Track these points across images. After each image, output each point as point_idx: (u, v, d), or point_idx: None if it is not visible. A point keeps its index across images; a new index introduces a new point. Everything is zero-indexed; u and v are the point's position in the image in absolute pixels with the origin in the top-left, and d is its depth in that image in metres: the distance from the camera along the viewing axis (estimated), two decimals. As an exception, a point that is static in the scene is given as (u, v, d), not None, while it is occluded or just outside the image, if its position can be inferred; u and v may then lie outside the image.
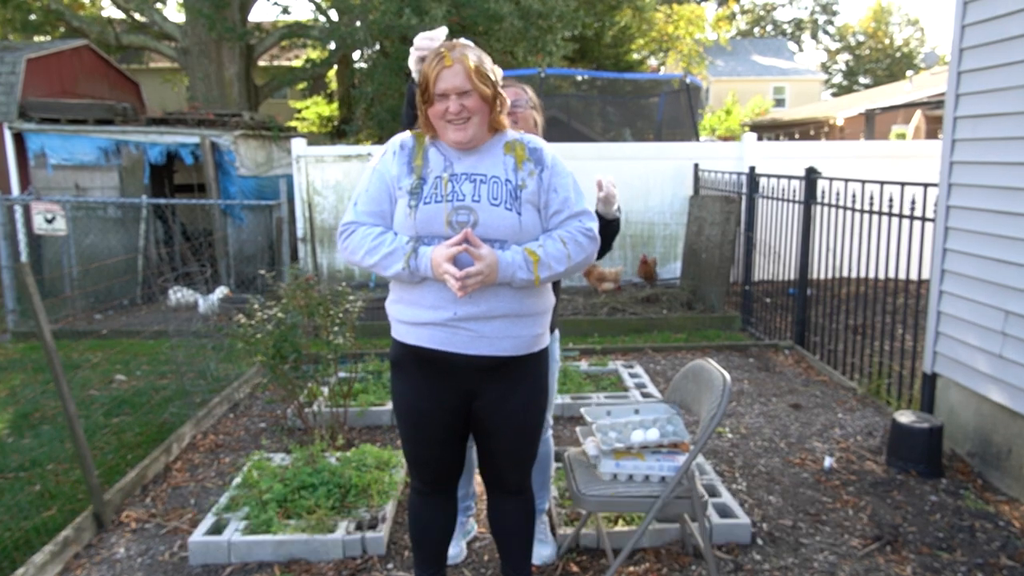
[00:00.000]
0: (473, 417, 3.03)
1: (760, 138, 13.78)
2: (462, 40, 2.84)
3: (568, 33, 17.11)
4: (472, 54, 2.78)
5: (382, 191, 2.88)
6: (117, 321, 10.02)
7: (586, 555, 3.99)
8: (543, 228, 2.88)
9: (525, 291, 2.85)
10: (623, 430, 3.56)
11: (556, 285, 3.54)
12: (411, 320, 2.89)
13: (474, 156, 2.85)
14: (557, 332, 3.81)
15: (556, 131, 13.12)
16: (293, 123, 23.44)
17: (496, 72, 2.86)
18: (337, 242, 2.95)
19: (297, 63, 21.40)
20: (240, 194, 11.71)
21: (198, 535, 4.06)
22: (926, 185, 5.67)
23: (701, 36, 27.61)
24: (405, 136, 2.96)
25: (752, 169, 9.02)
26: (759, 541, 4.15)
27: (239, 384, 6.78)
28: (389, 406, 6.00)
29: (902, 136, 22.66)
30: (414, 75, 2.99)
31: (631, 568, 3.88)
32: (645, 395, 6.31)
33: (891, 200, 6.13)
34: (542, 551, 3.90)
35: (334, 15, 17.09)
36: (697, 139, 14.16)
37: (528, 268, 2.78)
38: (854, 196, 6.58)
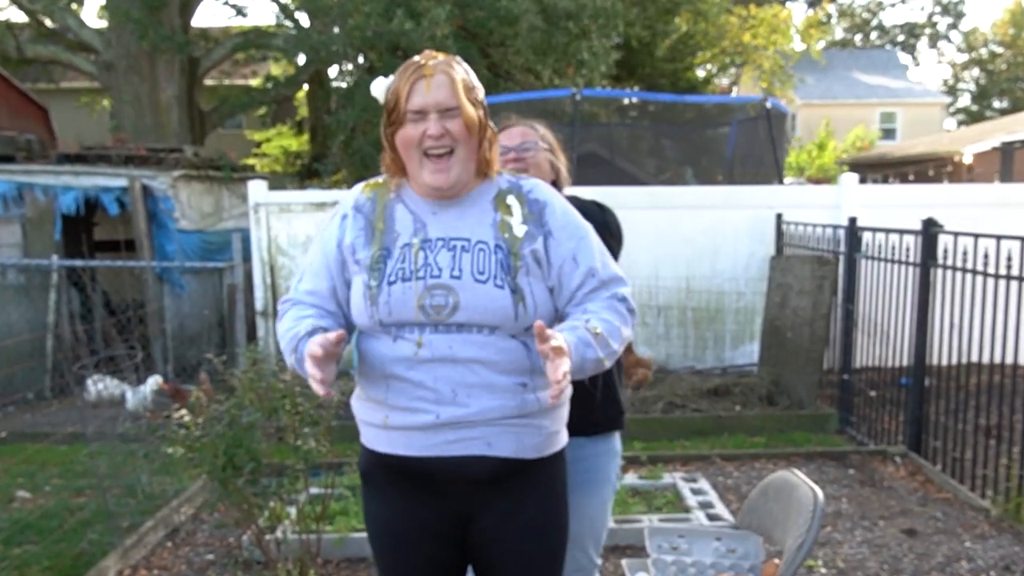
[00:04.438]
0: (469, 546, 2.97)
1: (863, 180, 13.89)
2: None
3: (608, 41, 17.34)
4: (459, 66, 2.81)
5: (323, 267, 2.90)
6: (19, 420, 10.12)
7: None
8: (555, 309, 2.87)
9: (529, 382, 2.80)
10: (683, 560, 3.61)
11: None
12: (381, 423, 2.86)
13: (453, 211, 2.83)
14: (617, 439, 3.72)
15: (596, 171, 13.24)
16: (250, 160, 23.72)
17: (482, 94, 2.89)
18: None
19: (256, 82, 21.69)
20: (181, 253, 11.78)
21: None
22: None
23: (786, 46, 27.84)
24: (358, 194, 2.95)
25: (853, 221, 9.10)
26: None
27: (179, 503, 6.83)
28: (375, 532, 6.04)
29: (1051, 177, 22.75)
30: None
31: None
32: (712, 517, 6.33)
33: (1034, 262, 6.20)
34: None
35: (304, 19, 17.28)
36: (781, 181, 14.27)
37: (595, 345, 2.71)
38: (986, 256, 6.65)
